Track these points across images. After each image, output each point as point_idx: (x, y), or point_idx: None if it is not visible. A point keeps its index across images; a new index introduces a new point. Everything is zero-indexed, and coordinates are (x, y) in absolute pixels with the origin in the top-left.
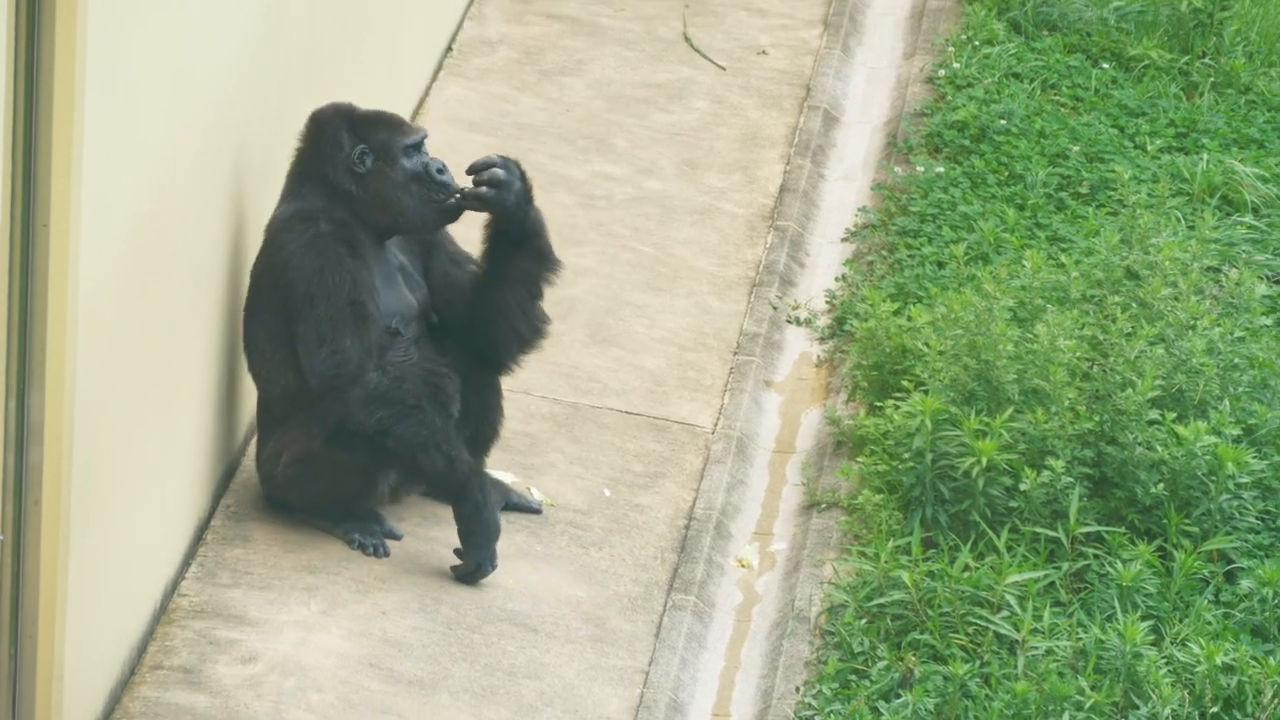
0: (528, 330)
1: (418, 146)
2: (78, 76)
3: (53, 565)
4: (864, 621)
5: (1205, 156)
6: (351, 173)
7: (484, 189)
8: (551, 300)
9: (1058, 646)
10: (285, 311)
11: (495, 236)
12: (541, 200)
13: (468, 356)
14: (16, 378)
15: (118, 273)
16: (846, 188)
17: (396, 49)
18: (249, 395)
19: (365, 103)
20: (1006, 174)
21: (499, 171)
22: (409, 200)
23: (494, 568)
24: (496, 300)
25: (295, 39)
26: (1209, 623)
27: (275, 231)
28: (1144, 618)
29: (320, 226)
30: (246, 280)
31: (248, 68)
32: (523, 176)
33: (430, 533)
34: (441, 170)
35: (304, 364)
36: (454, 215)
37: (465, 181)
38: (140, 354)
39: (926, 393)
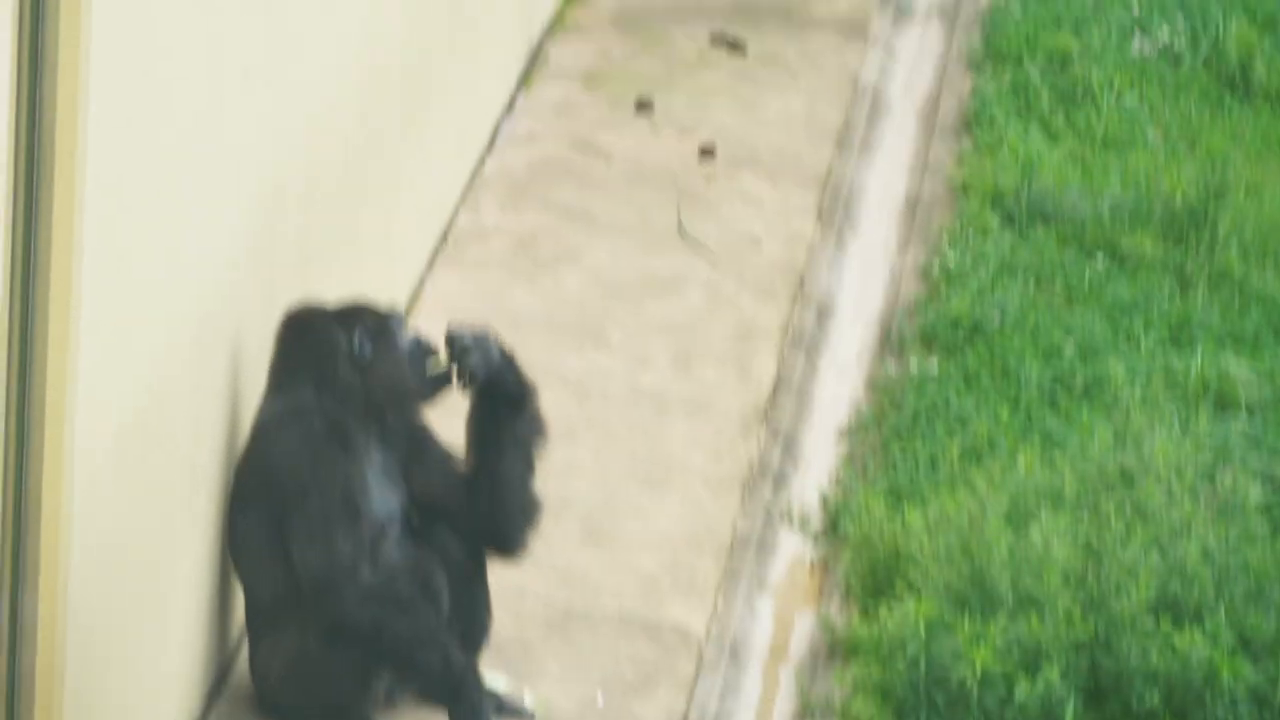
0: (530, 504)
1: (402, 324)
2: (74, 268)
3: None
4: None
5: (1200, 354)
6: (353, 362)
7: (464, 338)
8: (546, 497)
9: None
10: (276, 509)
11: (485, 407)
12: (535, 396)
13: (453, 553)
14: (10, 579)
15: (112, 470)
16: (840, 383)
17: (391, 240)
18: (237, 595)
19: (363, 293)
20: (1000, 371)
21: (468, 338)
22: (406, 374)
23: None
24: (499, 471)
25: (291, 231)
26: None
27: (266, 427)
28: None
29: (314, 423)
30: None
31: (244, 259)
32: (498, 340)
33: None
34: (423, 342)
35: (296, 562)
36: (448, 380)
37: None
38: (134, 553)
39: (920, 596)
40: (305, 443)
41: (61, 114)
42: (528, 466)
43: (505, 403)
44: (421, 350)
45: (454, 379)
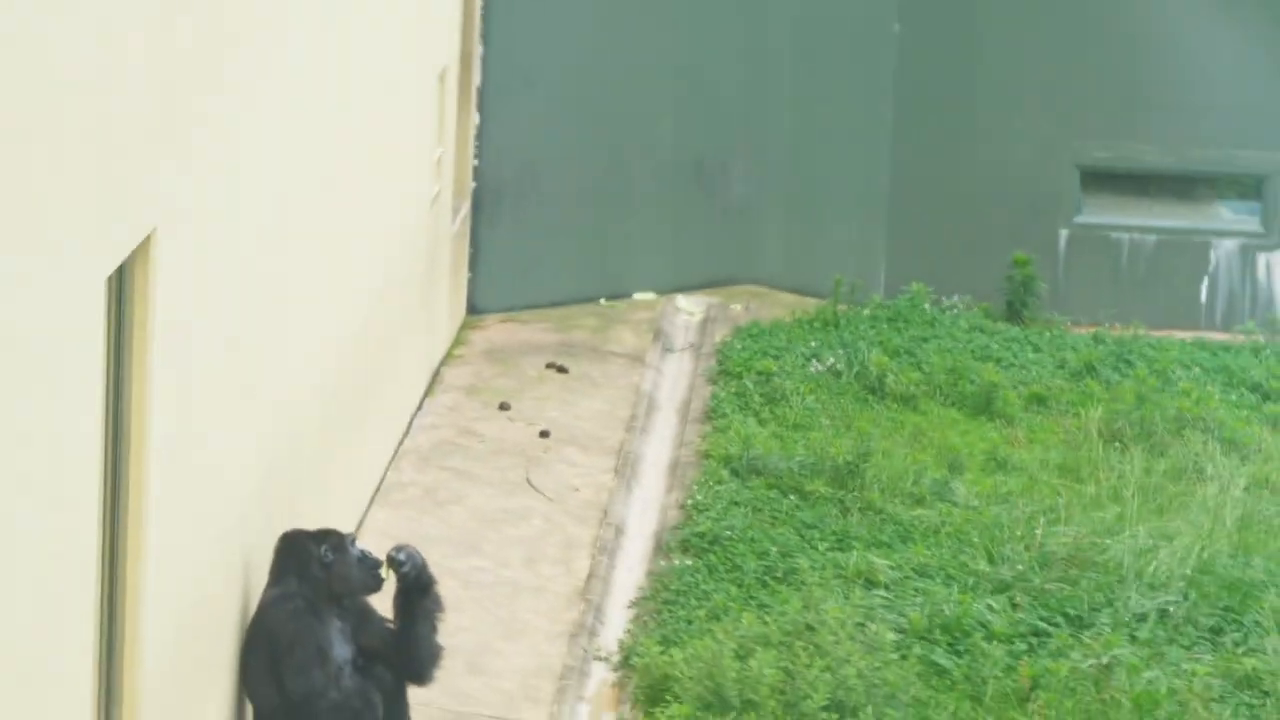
0: (435, 651)
1: (354, 541)
2: (146, 515)
3: None
4: None
5: (855, 553)
6: (321, 563)
7: (401, 556)
8: (445, 646)
9: None
10: (272, 655)
11: (406, 593)
12: (437, 585)
13: (386, 680)
14: (105, 700)
15: (176, 624)
16: (629, 575)
17: (346, 489)
18: (248, 709)
19: (327, 524)
20: (730, 565)
21: (403, 553)
22: (356, 573)
23: None
24: (414, 633)
25: (282, 482)
26: None
27: (265, 606)
28: None
29: (296, 602)
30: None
31: (252, 499)
32: (418, 552)
33: None
34: (367, 554)
35: (287, 687)
36: (381, 580)
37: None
38: (190, 677)
39: (681, 703)
40: (291, 615)
41: (136, 399)
42: (433, 628)
43: (419, 590)
44: (366, 560)
45: (392, 576)
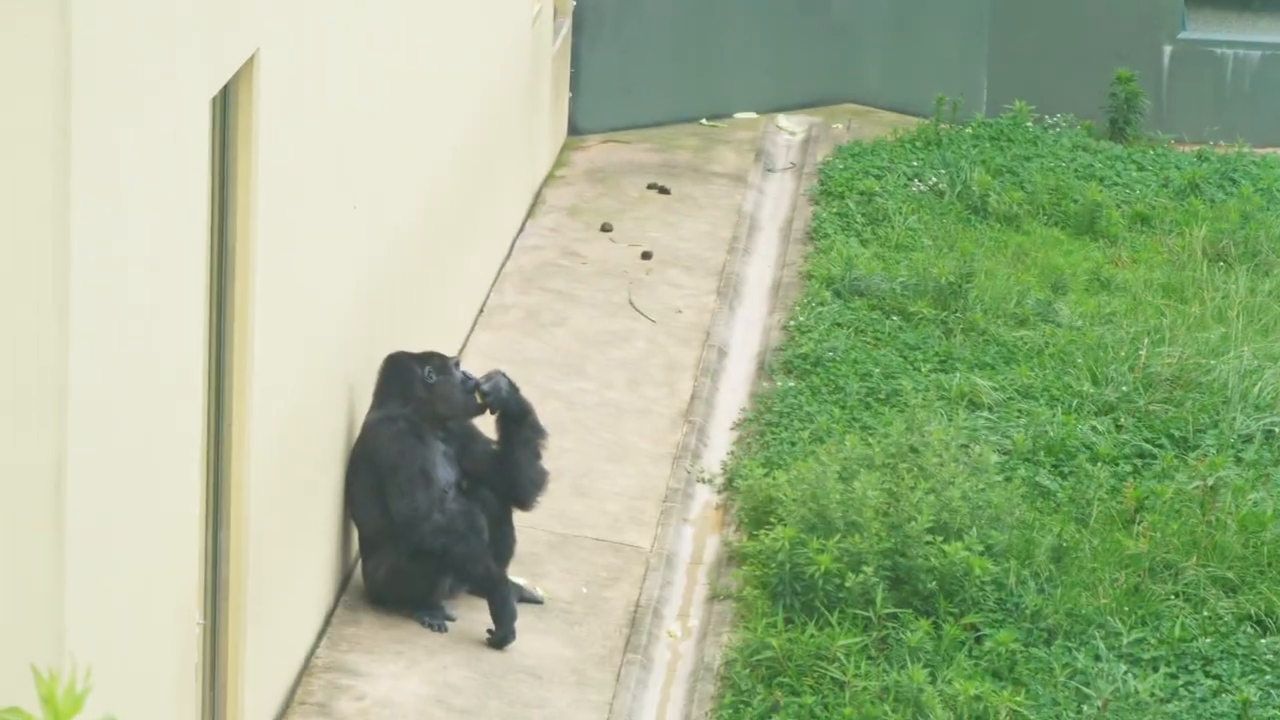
0: (538, 477)
1: (456, 364)
2: (251, 316)
3: (238, 639)
4: (748, 671)
5: (958, 375)
6: (424, 384)
7: (486, 386)
8: (549, 469)
9: (870, 685)
10: (376, 477)
11: (503, 420)
12: (537, 408)
13: (491, 504)
14: (212, 518)
15: (277, 446)
16: (732, 397)
17: (449, 311)
18: (353, 531)
19: (429, 346)
20: (833, 387)
21: (489, 383)
22: (459, 395)
23: (514, 638)
24: (514, 459)
25: (387, 301)
26: (965, 669)
27: (369, 427)
28: (924, 666)
29: (400, 424)
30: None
31: (356, 317)
32: (509, 380)
33: (472, 616)
34: (469, 376)
35: (391, 509)
36: (480, 406)
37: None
38: (291, 502)
39: (785, 524)
40: (394, 436)
41: (241, 221)
42: (534, 454)
43: (512, 418)
44: (467, 382)
45: (481, 406)
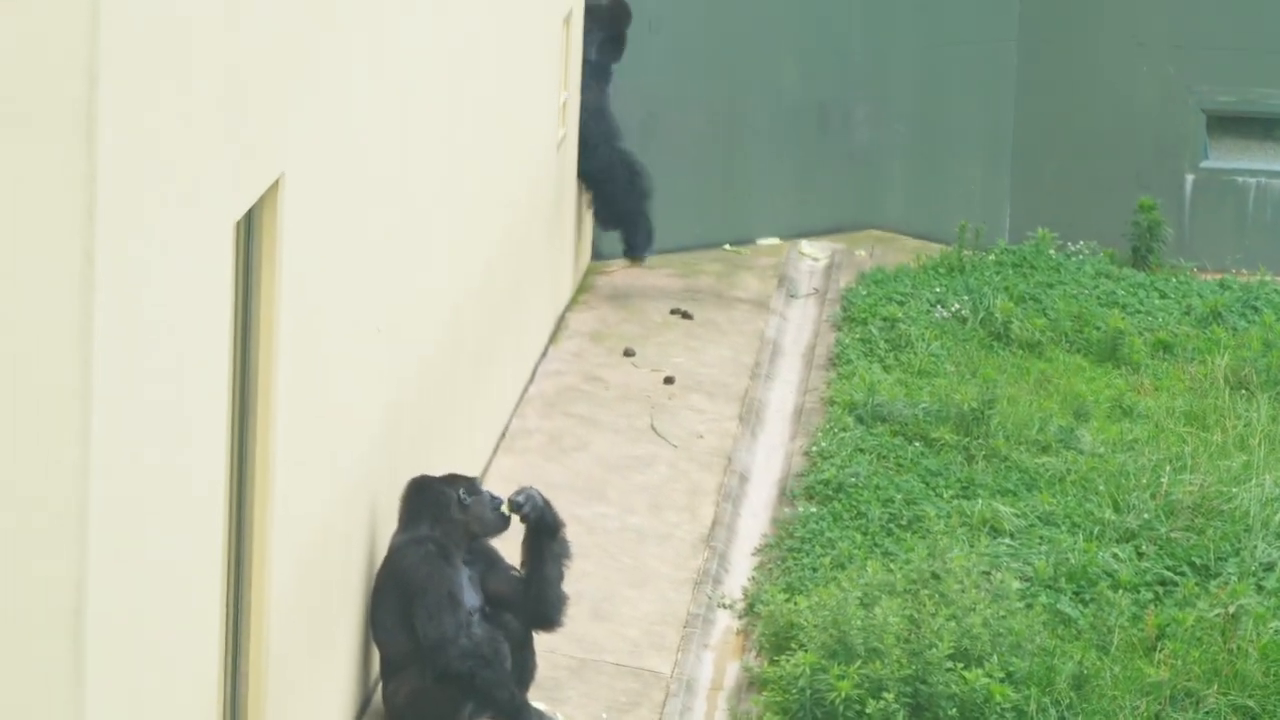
0: (563, 596)
1: (483, 485)
2: (274, 446)
3: None
4: None
5: (980, 501)
6: (460, 505)
7: (521, 499)
8: (570, 593)
9: None
10: (403, 599)
11: (534, 535)
12: (565, 529)
13: (513, 628)
14: (232, 634)
15: (303, 571)
16: (754, 522)
17: (472, 435)
18: (374, 652)
19: (452, 469)
20: (855, 512)
21: (523, 494)
22: (489, 514)
23: None
24: (543, 575)
25: (408, 428)
26: None
27: (396, 550)
28: None
29: (428, 547)
30: (372, 582)
31: (379, 445)
32: (542, 494)
33: None
34: (494, 495)
35: (419, 632)
36: (508, 521)
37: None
38: (313, 621)
39: (805, 650)
40: (424, 559)
41: (264, 344)
42: (559, 573)
43: (545, 532)
44: (495, 501)
45: (516, 518)
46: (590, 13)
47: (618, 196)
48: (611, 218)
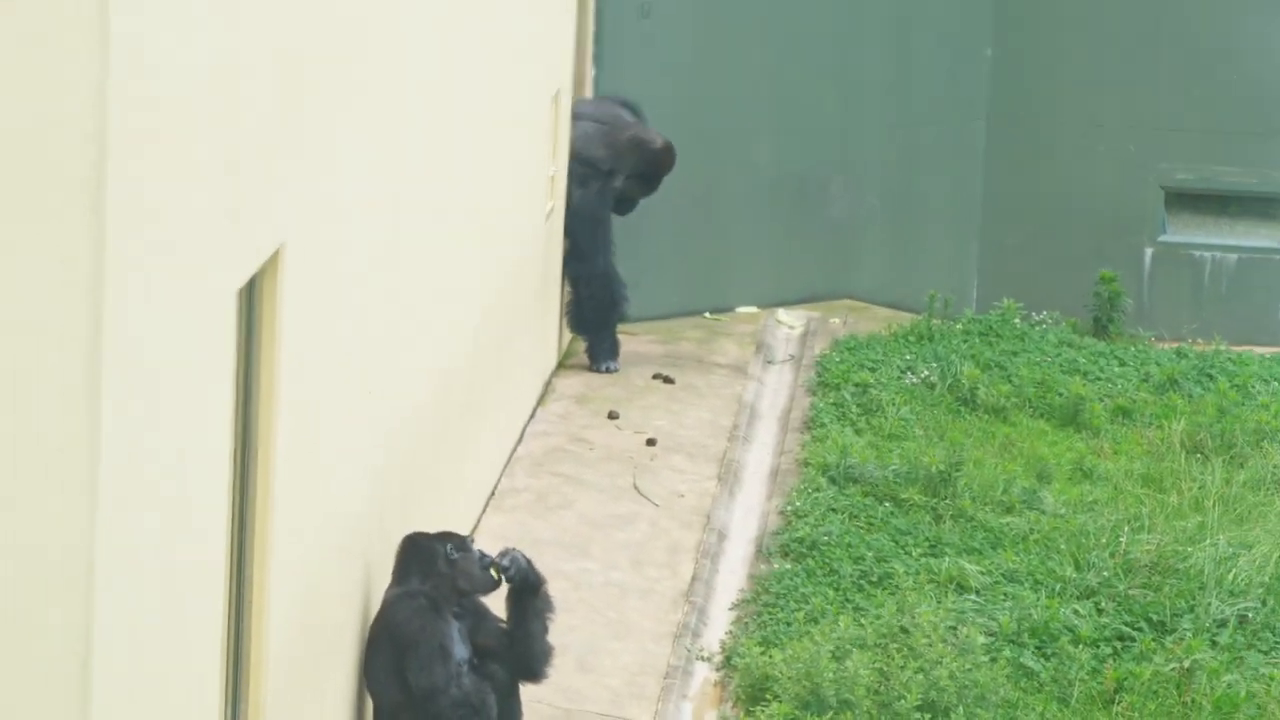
0: (547, 649)
1: (473, 543)
2: (273, 511)
3: None
4: None
5: (947, 559)
6: (447, 560)
7: (505, 561)
8: (555, 645)
9: None
10: (395, 651)
11: (517, 594)
12: (547, 586)
13: (500, 679)
14: (231, 682)
15: (298, 627)
16: (731, 578)
17: (461, 494)
18: (368, 703)
19: (443, 527)
20: (828, 569)
21: (507, 557)
22: (477, 571)
23: None
24: (527, 631)
25: (397, 486)
26: None
27: (389, 604)
28: None
29: (420, 600)
30: (365, 634)
31: (369, 503)
32: (525, 555)
33: None
34: (484, 555)
35: (411, 683)
36: (498, 581)
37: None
38: (306, 671)
39: (780, 702)
40: (416, 612)
41: (264, 409)
42: (543, 629)
43: (528, 591)
44: (484, 560)
45: (501, 579)
46: (637, 144)
47: (596, 310)
48: (581, 325)
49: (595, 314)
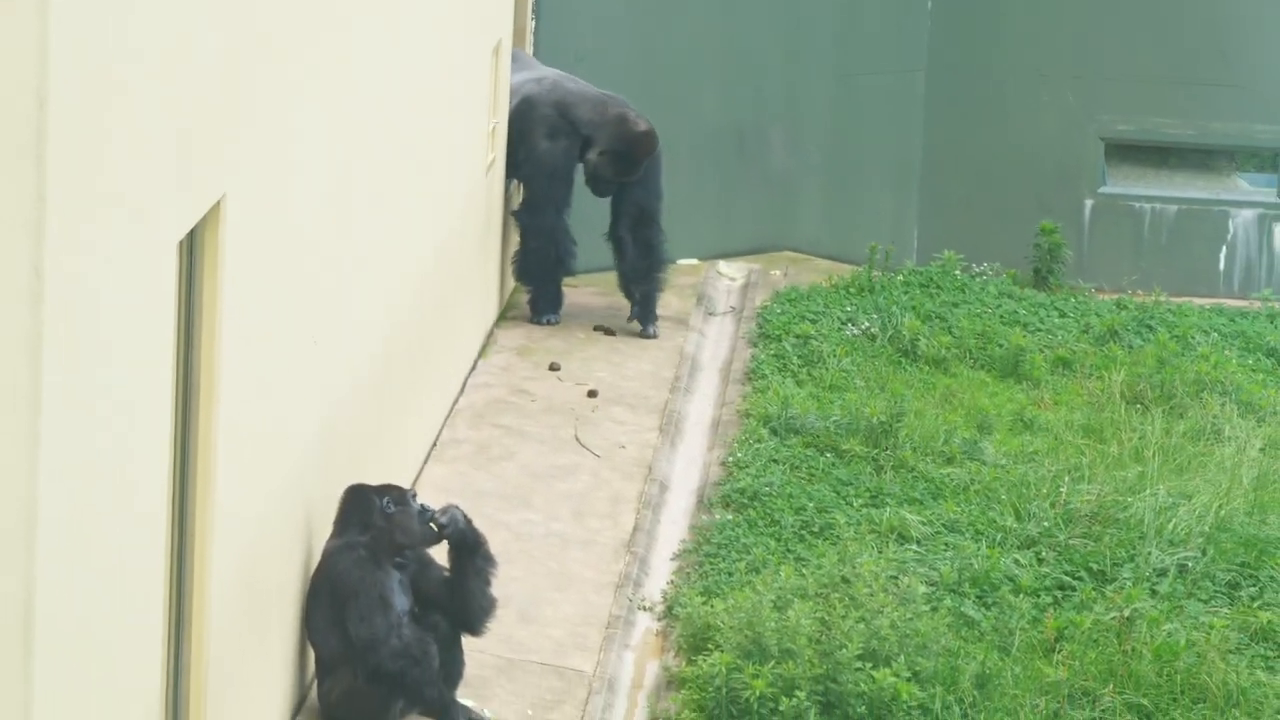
0: (488, 604)
1: (414, 496)
2: (217, 451)
3: None
4: None
5: (888, 510)
6: (383, 514)
7: (443, 519)
8: (497, 595)
9: None
10: (336, 603)
11: (456, 550)
12: (487, 537)
13: (442, 628)
14: (174, 634)
15: (241, 575)
16: (673, 528)
17: (403, 446)
18: (310, 653)
19: (385, 478)
20: (769, 520)
21: (446, 515)
22: (416, 525)
23: None
24: (465, 588)
25: (343, 438)
26: None
27: (329, 555)
28: None
29: (359, 552)
30: (307, 586)
31: (315, 453)
32: (464, 513)
33: None
34: (426, 508)
35: (351, 633)
36: (438, 536)
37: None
38: (249, 622)
39: (722, 651)
40: (355, 564)
41: (205, 358)
42: (482, 586)
43: (467, 549)
44: (424, 513)
45: (438, 535)
46: (621, 121)
47: (540, 264)
48: (525, 276)
49: (539, 267)
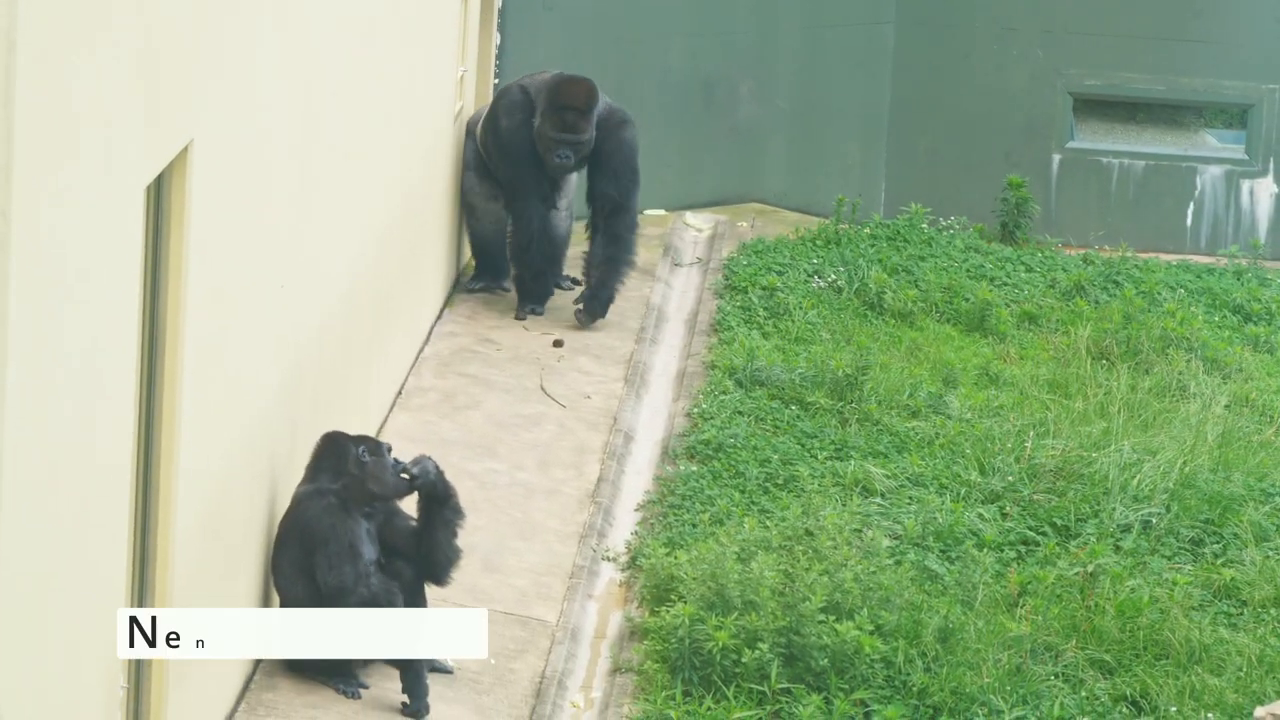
0: (453, 555)
1: (388, 449)
2: (180, 394)
3: (160, 703)
4: None
5: (853, 463)
6: (358, 462)
7: (415, 470)
8: (461, 545)
9: None
10: (304, 549)
11: (426, 501)
12: (453, 484)
13: (406, 577)
14: (139, 584)
15: (205, 523)
16: (637, 479)
17: (369, 393)
18: (275, 599)
19: (348, 425)
20: (734, 471)
21: (418, 466)
22: (388, 477)
23: (428, 712)
24: (433, 539)
25: (309, 386)
26: None
27: (300, 500)
28: None
29: (330, 499)
30: (272, 531)
31: (279, 403)
32: (436, 464)
33: (385, 685)
34: (399, 462)
35: (319, 580)
36: (410, 487)
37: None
38: (217, 568)
39: (685, 602)
40: (325, 510)
41: (172, 304)
42: (449, 538)
43: (436, 500)
44: (398, 466)
45: (410, 486)
46: (552, 78)
47: (520, 263)
48: (516, 264)
49: (520, 265)
